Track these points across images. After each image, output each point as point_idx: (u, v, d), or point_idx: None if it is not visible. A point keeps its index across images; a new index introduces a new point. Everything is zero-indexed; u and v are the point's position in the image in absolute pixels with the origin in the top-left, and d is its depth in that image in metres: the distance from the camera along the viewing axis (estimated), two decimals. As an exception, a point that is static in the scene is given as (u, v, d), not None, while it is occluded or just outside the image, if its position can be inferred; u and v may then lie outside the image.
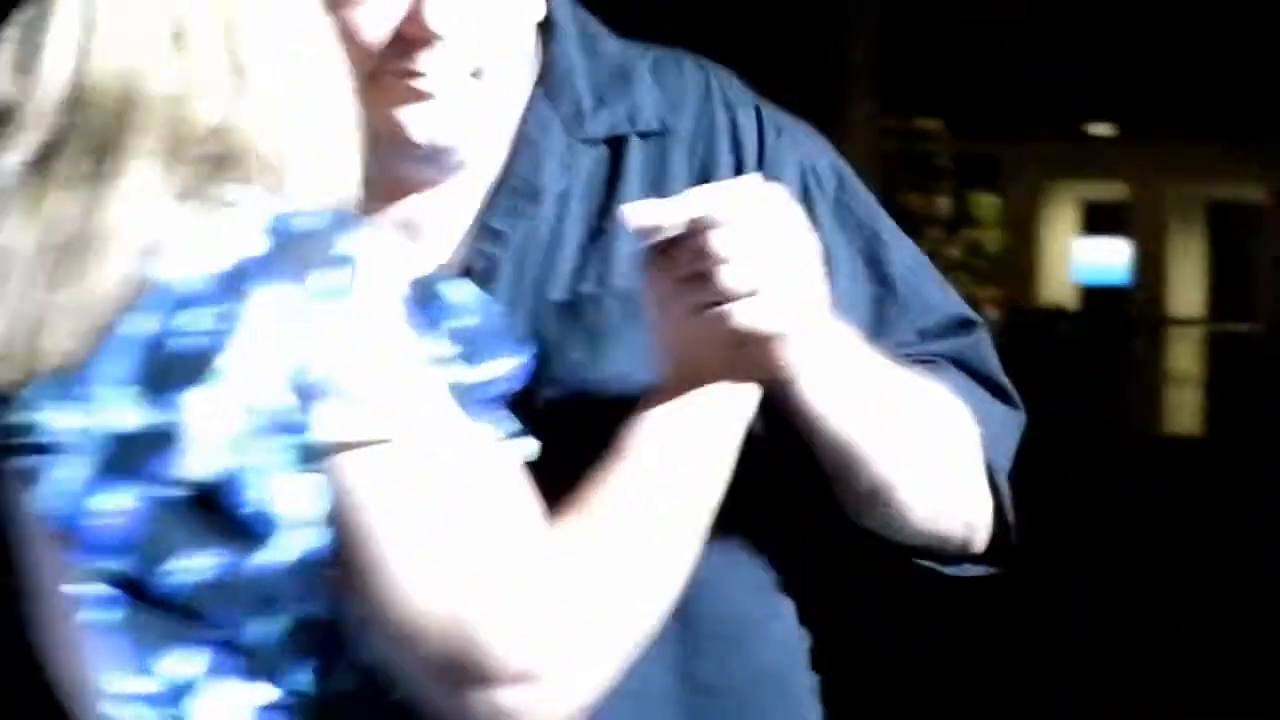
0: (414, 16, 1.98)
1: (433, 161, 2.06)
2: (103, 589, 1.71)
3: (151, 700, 1.69)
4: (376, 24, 1.98)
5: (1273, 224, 25.03)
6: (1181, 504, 13.83)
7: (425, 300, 1.76)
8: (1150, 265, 26.37)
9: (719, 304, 1.78)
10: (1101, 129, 24.50)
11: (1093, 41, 19.00)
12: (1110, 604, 10.00)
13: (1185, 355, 25.36)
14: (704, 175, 2.10)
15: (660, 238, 1.81)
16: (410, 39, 1.99)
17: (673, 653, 2.03)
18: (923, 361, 2.10)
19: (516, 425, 1.80)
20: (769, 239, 1.78)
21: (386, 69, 1.99)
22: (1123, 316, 25.61)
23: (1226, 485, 14.54)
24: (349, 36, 1.90)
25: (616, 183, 2.14)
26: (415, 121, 1.99)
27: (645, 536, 1.79)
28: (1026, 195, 25.87)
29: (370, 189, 1.86)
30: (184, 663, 1.72)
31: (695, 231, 1.77)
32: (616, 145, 2.16)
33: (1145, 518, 13.18)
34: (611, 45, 2.25)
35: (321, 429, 1.65)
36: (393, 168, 2.00)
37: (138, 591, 1.71)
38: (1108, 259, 27.40)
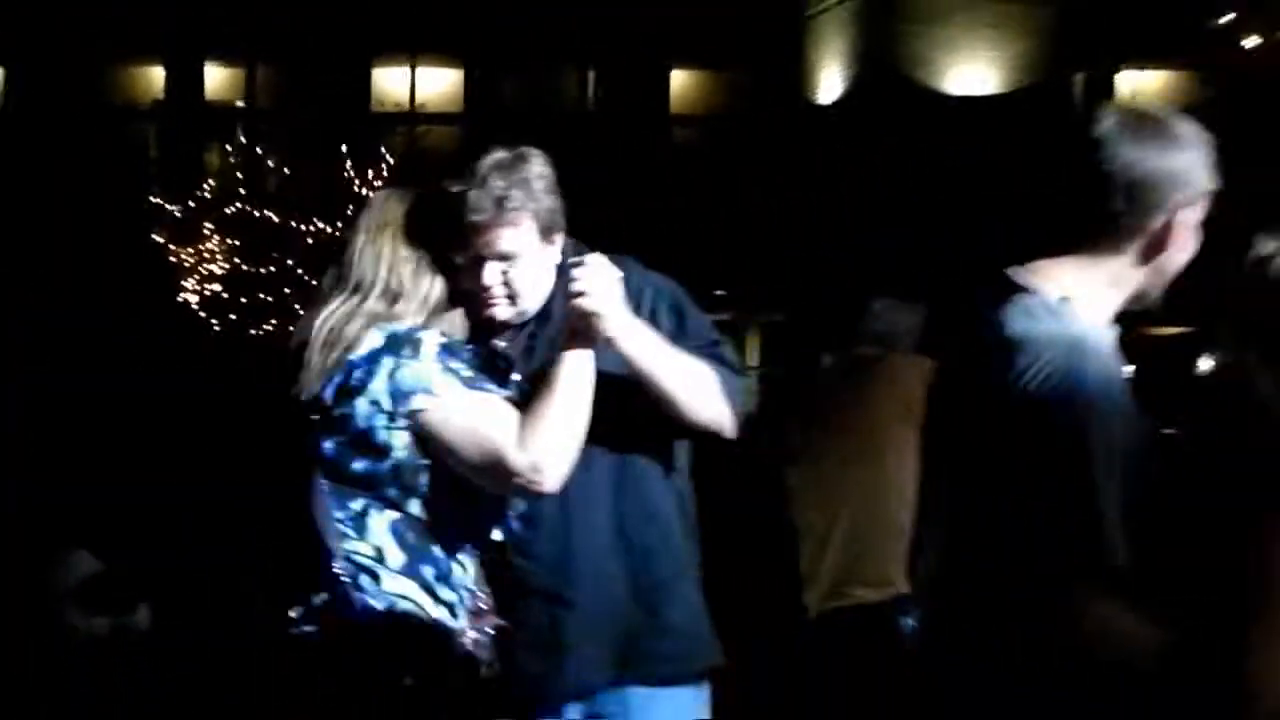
0: (485, 282, 3.66)
1: (498, 320, 3.72)
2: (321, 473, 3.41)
3: (345, 521, 3.48)
4: (470, 279, 3.68)
5: None
6: None
7: (453, 346, 3.55)
8: None
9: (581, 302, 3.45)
10: None
11: None
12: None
13: None
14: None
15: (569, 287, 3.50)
16: (484, 287, 3.63)
17: (611, 492, 3.78)
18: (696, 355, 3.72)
19: (500, 387, 3.52)
20: (600, 282, 3.50)
21: (475, 293, 3.70)
22: None
23: None
24: (461, 279, 3.62)
25: None
26: (488, 313, 3.70)
27: (565, 413, 3.52)
28: None
29: (474, 327, 3.71)
30: (357, 503, 3.49)
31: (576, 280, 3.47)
32: None
33: None
34: (579, 254, 3.74)
35: (412, 404, 3.44)
36: (486, 321, 3.71)
37: (336, 474, 3.49)
38: None
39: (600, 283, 3.52)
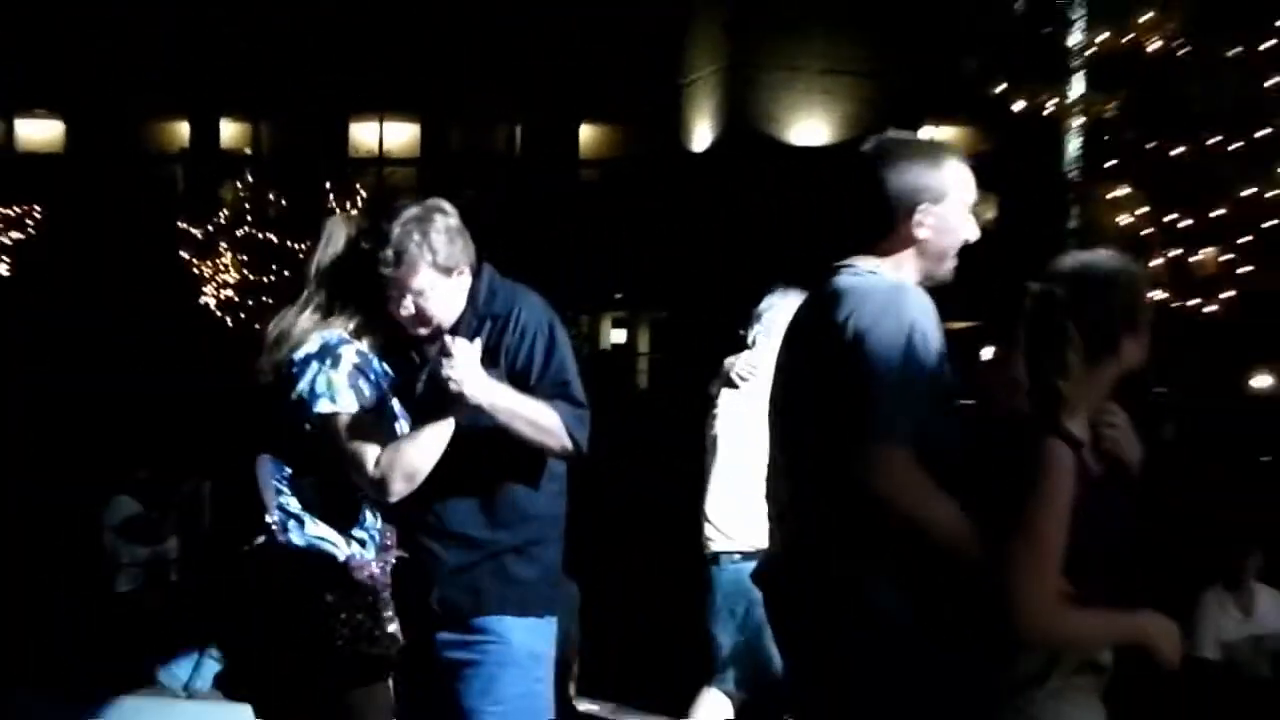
0: (400, 313, 3.62)
1: (420, 334, 3.71)
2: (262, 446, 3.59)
3: (281, 481, 3.59)
4: (391, 306, 3.63)
5: None
6: None
7: (364, 365, 3.58)
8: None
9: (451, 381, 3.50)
10: None
11: None
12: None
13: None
14: (502, 327, 3.70)
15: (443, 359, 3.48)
16: (400, 316, 3.64)
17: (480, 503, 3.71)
18: (549, 396, 3.73)
19: (388, 409, 3.55)
20: (463, 368, 3.46)
21: (399, 314, 3.65)
22: None
23: None
24: (390, 303, 3.65)
25: (493, 334, 3.70)
26: (411, 332, 3.65)
27: (418, 452, 3.50)
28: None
29: (405, 335, 3.74)
30: (290, 469, 3.61)
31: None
32: (493, 320, 3.73)
33: None
34: (492, 283, 3.77)
35: (318, 407, 3.51)
36: (410, 335, 3.68)
37: (275, 448, 3.64)
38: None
39: (463, 369, 3.48)
